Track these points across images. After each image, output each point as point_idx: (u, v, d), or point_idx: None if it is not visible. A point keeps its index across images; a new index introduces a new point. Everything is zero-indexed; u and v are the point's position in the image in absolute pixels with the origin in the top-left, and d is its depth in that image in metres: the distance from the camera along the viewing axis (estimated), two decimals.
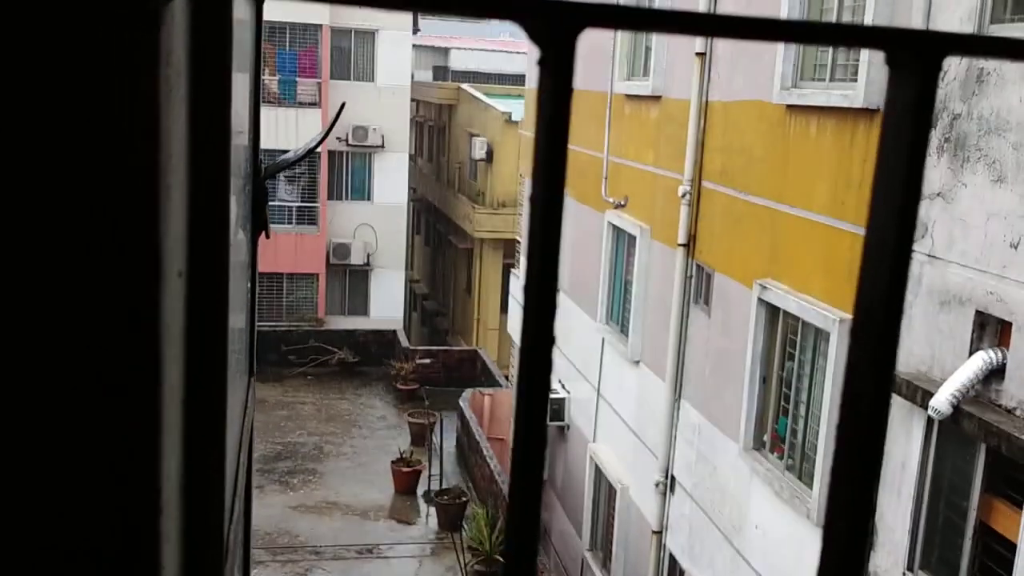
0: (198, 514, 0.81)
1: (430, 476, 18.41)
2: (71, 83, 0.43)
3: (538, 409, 0.50)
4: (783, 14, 8.71)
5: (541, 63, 0.47)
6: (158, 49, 0.44)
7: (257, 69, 1.79)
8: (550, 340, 0.49)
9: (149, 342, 0.49)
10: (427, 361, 24.03)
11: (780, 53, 8.79)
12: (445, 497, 17.34)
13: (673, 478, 11.25)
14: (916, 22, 6.92)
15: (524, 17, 0.47)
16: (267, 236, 1.75)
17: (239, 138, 1.43)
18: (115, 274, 0.45)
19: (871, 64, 7.46)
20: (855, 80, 7.80)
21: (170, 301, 0.54)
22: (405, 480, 18.40)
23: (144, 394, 0.49)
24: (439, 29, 47.53)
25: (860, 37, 0.52)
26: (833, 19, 8.29)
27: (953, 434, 6.56)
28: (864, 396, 0.53)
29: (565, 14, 0.46)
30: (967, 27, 6.49)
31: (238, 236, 1.39)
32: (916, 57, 0.51)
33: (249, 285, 1.70)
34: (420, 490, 18.49)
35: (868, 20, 7.49)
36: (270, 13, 24.99)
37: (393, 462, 18.65)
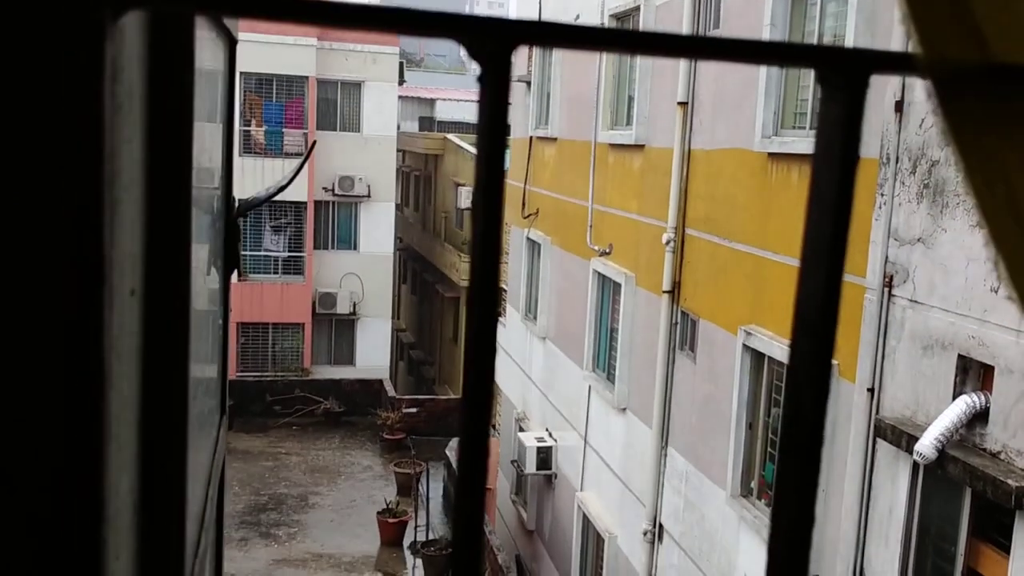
0: (156, 533, 0.81)
1: (416, 527, 18.21)
2: (5, 95, 0.44)
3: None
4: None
5: (480, 79, 0.49)
6: (103, 64, 0.45)
7: (231, 108, 1.82)
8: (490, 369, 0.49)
9: (92, 356, 0.49)
10: (413, 410, 23.90)
11: (760, 102, 8.91)
12: (432, 548, 17.14)
13: (661, 526, 11.17)
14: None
15: (462, 35, 0.49)
16: (239, 275, 1.75)
17: (209, 176, 1.44)
18: (52, 288, 0.46)
19: None
20: None
21: (120, 319, 0.55)
22: (391, 531, 18.20)
23: (86, 411, 0.50)
24: (425, 81, 48.02)
25: (790, 55, 0.54)
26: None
27: (939, 479, 6.55)
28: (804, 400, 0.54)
29: (500, 31, 0.48)
30: None
31: (210, 272, 1.39)
32: (844, 74, 0.53)
33: (221, 322, 1.71)
34: (407, 541, 18.28)
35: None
36: (257, 65, 25.23)
37: (379, 513, 18.46)
